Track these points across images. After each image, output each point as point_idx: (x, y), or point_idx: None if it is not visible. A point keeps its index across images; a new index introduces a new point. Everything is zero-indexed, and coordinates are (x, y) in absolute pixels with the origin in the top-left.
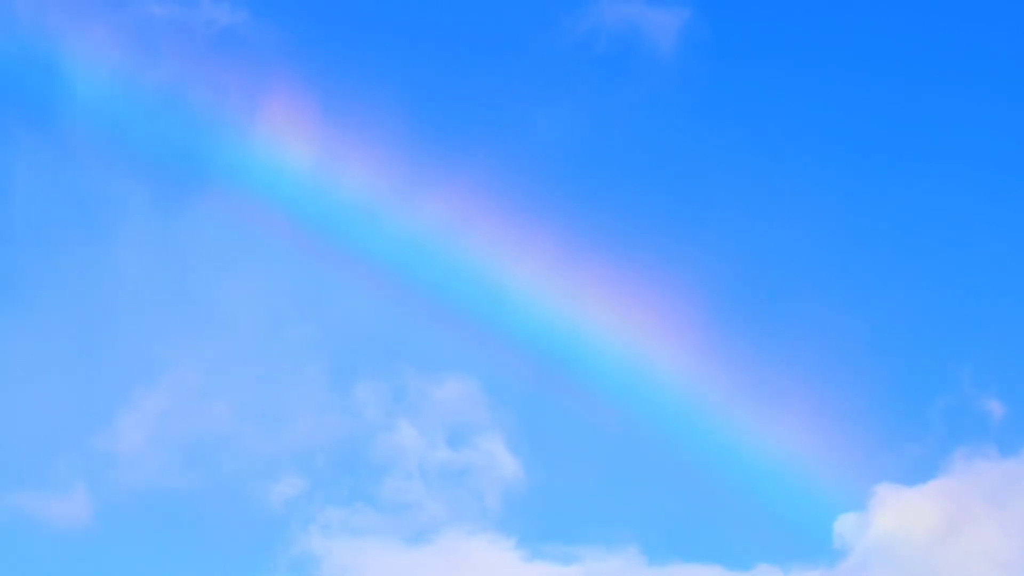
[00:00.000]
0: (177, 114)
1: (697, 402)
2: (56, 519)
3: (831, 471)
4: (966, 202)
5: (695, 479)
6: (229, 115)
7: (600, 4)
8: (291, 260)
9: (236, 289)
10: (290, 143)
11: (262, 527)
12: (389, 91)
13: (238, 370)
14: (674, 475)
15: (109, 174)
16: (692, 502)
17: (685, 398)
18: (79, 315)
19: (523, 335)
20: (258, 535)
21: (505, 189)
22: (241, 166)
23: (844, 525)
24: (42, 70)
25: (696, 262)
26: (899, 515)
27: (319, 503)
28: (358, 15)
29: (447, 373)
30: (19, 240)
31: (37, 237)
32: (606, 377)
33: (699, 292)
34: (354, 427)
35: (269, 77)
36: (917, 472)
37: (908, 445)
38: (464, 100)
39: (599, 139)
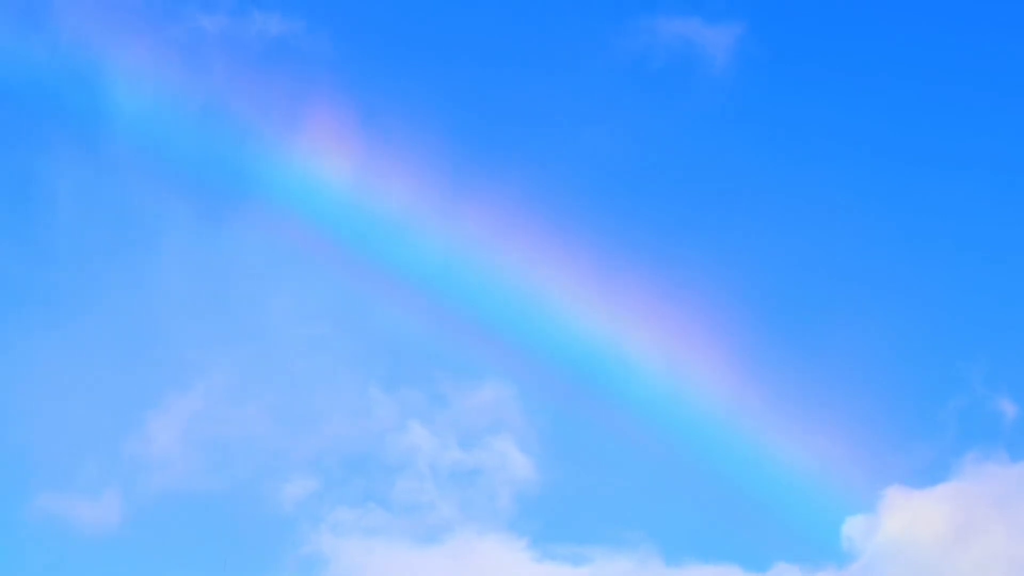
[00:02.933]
0: (219, 129)
1: (708, 405)
2: (86, 522)
3: (840, 473)
4: (977, 204)
5: (706, 480)
6: (271, 130)
7: (654, 21)
8: (329, 272)
9: (273, 300)
10: (331, 158)
11: (274, 527)
12: (434, 107)
13: (270, 375)
14: (685, 477)
15: (151, 188)
16: (704, 503)
17: (697, 402)
18: (116, 323)
19: (553, 345)
20: (270, 535)
21: (547, 204)
22: (281, 181)
23: (853, 527)
24: (87, 85)
25: (723, 275)
26: (908, 518)
27: (330, 503)
28: (409, 28)
29: (476, 380)
30: (61, 251)
31: (79, 248)
32: (625, 383)
33: (719, 302)
34: (374, 429)
35: (313, 91)
36: (927, 475)
37: (918, 447)
38: (510, 117)
39: (646, 156)
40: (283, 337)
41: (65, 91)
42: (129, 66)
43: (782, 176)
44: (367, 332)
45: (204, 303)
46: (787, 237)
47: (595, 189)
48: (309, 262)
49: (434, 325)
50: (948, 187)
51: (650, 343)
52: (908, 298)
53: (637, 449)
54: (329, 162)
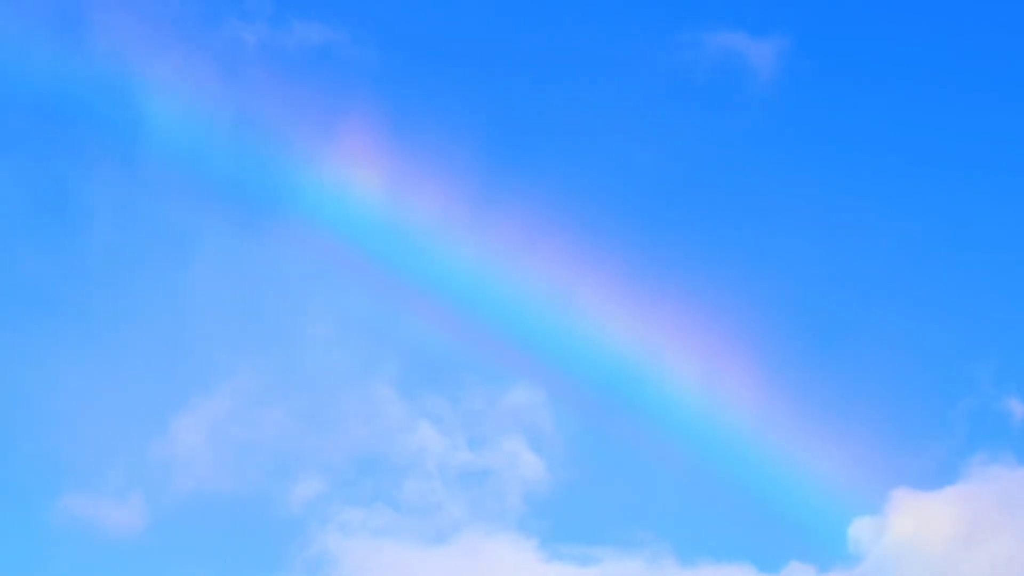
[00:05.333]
0: (255, 141)
1: (717, 407)
2: (111, 525)
3: (847, 475)
4: (984, 206)
5: (715, 481)
6: (306, 142)
7: (699, 35)
8: (359, 283)
9: (302, 309)
10: (365, 170)
11: (282, 527)
12: (473, 117)
13: (294, 381)
14: (694, 478)
15: (186, 200)
16: (714, 504)
17: (706, 404)
18: (146, 330)
19: (576, 351)
20: (278, 535)
21: (582, 216)
22: (315, 193)
23: (859, 529)
24: (124, 97)
25: (741, 282)
26: (915, 520)
27: (338, 503)
28: (449, 38)
29: (498, 384)
30: (94, 260)
31: (111, 257)
32: (640, 389)
33: (736, 309)
34: (383, 430)
35: (348, 103)
36: (934, 477)
37: (926, 449)
38: (547, 129)
39: (683, 169)
40: (310, 344)
41: (101, 103)
42: (166, 78)
43: (817, 188)
44: (393, 339)
45: (233, 311)
46: (809, 246)
47: (630, 201)
48: (340, 272)
49: (461, 333)
50: (955, 189)
51: (668, 350)
52: (916, 300)
53: (647, 451)
54: (363, 174)
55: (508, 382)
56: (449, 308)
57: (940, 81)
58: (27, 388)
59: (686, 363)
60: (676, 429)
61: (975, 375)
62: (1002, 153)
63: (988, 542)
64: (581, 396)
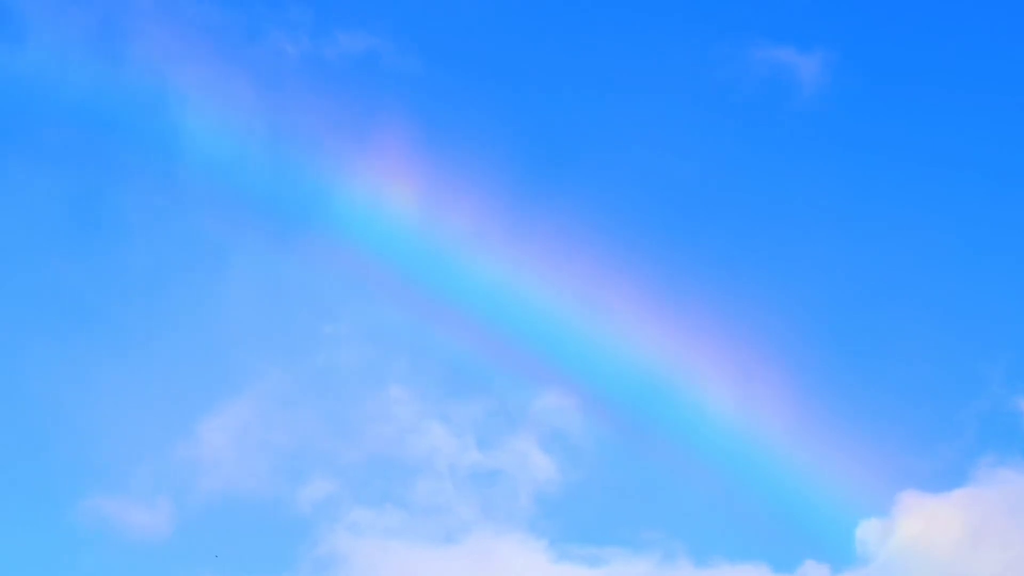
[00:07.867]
0: (291, 155)
1: (726, 408)
2: (137, 527)
3: (854, 476)
4: (994, 203)
5: (723, 481)
6: (340, 156)
7: (745, 49)
8: (390, 294)
9: (332, 318)
10: (400, 183)
11: (292, 527)
12: (510, 130)
13: (322, 385)
14: (702, 478)
15: (220, 213)
16: (725, 504)
17: (717, 407)
18: (176, 337)
19: (592, 359)
20: (287, 535)
21: (617, 230)
22: (348, 206)
23: (866, 531)
24: (161, 110)
25: (768, 294)
26: (923, 523)
27: (348, 504)
28: (490, 50)
29: (528, 390)
30: (128, 270)
31: (145, 268)
32: (654, 392)
33: (751, 314)
34: (393, 430)
35: (386, 113)
36: (942, 479)
37: (935, 450)
38: (588, 143)
39: (723, 184)
40: (335, 351)
41: (139, 115)
42: (204, 90)
43: (860, 200)
44: (416, 346)
45: (261, 320)
46: (835, 253)
47: (665, 214)
48: (369, 283)
49: (483, 340)
50: (968, 192)
51: (683, 356)
52: (925, 301)
53: (658, 452)
54: (396, 186)
55: (520, 385)
56: (475, 317)
57: (984, 92)
58: (57, 391)
59: (700, 368)
60: (687, 430)
61: (984, 376)
62: (1012, 156)
63: (996, 545)
64: (592, 398)
